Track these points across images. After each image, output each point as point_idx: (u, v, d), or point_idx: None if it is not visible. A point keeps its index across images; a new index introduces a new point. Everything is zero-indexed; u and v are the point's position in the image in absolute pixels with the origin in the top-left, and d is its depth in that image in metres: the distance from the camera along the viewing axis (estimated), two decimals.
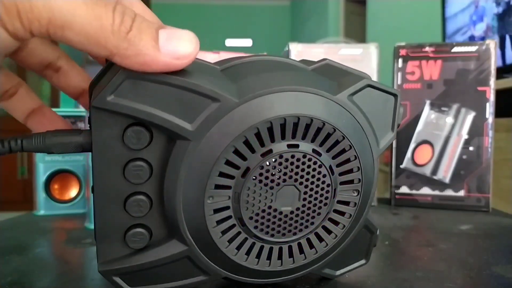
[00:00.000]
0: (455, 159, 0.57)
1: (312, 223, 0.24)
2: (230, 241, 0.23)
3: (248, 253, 0.24)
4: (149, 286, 0.24)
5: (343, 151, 0.23)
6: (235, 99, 0.21)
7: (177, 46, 0.19)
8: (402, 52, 0.59)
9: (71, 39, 0.17)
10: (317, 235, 0.25)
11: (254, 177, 0.22)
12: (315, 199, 0.23)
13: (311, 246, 0.25)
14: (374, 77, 0.58)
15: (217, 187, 0.22)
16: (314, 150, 0.23)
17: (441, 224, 0.48)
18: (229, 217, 0.22)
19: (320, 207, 0.24)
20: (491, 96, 0.56)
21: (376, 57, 0.58)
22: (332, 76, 0.25)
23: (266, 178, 0.22)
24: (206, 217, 0.22)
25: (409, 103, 0.59)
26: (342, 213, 0.25)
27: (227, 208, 0.22)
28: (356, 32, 3.37)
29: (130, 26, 0.18)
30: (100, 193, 0.22)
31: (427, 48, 0.58)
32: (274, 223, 0.23)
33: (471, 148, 0.57)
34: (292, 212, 0.23)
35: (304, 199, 0.23)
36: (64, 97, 0.54)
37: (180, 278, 0.24)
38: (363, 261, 0.29)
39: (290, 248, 0.24)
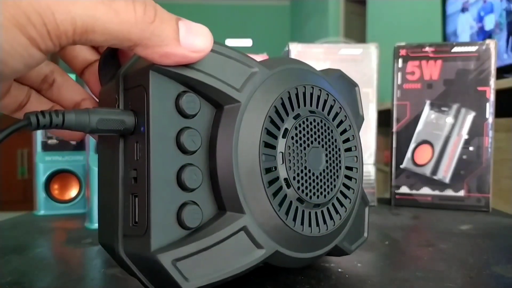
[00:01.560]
0: (455, 159, 0.57)
1: (335, 186, 0.27)
2: (281, 204, 0.24)
3: (294, 218, 0.25)
4: (205, 275, 0.22)
5: (342, 121, 0.28)
6: (267, 69, 0.25)
7: (195, 40, 0.20)
8: (402, 52, 0.59)
9: (96, 40, 0.18)
10: (338, 200, 0.27)
11: (292, 137, 0.24)
12: (333, 161, 0.27)
13: (336, 211, 0.27)
14: (374, 77, 0.58)
15: (267, 145, 0.23)
16: (325, 117, 0.27)
17: (441, 224, 0.48)
18: (278, 178, 0.24)
19: (337, 170, 0.27)
20: (491, 96, 0.56)
21: (376, 57, 0.58)
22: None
23: (300, 138, 0.25)
24: (263, 177, 0.23)
25: (409, 103, 0.59)
26: (350, 178, 0.28)
27: (276, 168, 0.24)
28: (356, 32, 3.37)
29: (154, 16, 0.19)
30: (156, 167, 0.21)
31: (427, 48, 0.58)
32: (310, 184, 0.25)
33: (471, 148, 0.57)
34: (321, 173, 0.26)
35: (327, 161, 0.26)
36: None
37: (237, 258, 0.23)
38: (365, 235, 0.32)
39: (322, 213, 0.26)
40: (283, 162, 0.24)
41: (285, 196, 0.24)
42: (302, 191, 0.25)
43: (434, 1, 1.88)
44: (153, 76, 0.21)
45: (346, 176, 0.28)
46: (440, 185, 0.58)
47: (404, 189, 0.59)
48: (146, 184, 0.21)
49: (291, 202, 0.24)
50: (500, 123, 1.08)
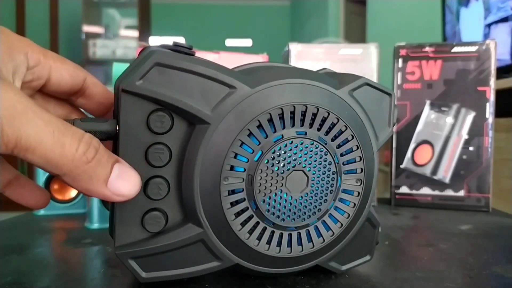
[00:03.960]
0: (455, 159, 0.57)
1: (320, 210, 0.26)
2: (243, 224, 0.24)
3: (259, 237, 0.25)
4: (163, 271, 0.24)
5: (346, 140, 0.26)
6: (250, 87, 0.23)
7: (122, 186, 0.21)
8: (402, 52, 0.59)
9: (32, 160, 0.19)
10: (323, 223, 0.26)
11: (266, 161, 0.24)
12: (322, 185, 0.25)
13: (319, 234, 0.26)
14: (374, 77, 0.58)
15: (232, 168, 0.23)
16: (320, 138, 0.25)
17: (441, 224, 0.48)
18: (243, 200, 0.24)
19: (326, 194, 0.26)
20: (491, 96, 0.56)
21: (376, 57, 0.58)
22: (334, 76, 0.28)
23: (278, 162, 0.24)
24: (222, 198, 0.23)
25: (409, 103, 0.59)
26: (346, 202, 0.27)
27: (241, 190, 0.24)
28: (356, 32, 3.37)
29: (92, 158, 0.20)
30: None
31: (427, 48, 0.58)
32: (284, 207, 0.25)
33: (471, 148, 0.57)
34: (301, 197, 0.25)
35: (312, 185, 0.25)
36: None
37: (194, 264, 0.25)
38: (367, 257, 0.30)
39: (299, 234, 0.26)
40: (251, 185, 0.24)
41: (251, 216, 0.24)
42: (273, 213, 0.24)
43: (434, 1, 1.87)
44: (124, 96, 0.22)
45: (341, 200, 0.26)
46: (440, 185, 0.58)
47: (404, 189, 0.59)
48: None
49: (257, 222, 0.24)
50: (500, 123, 1.08)
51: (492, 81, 0.56)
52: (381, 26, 2.76)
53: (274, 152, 0.24)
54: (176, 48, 0.23)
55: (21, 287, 0.27)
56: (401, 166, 0.59)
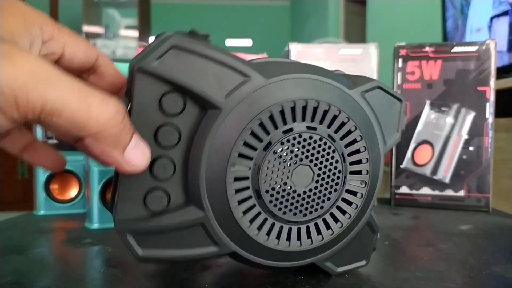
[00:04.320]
0: (455, 159, 0.57)
1: (322, 207, 0.26)
2: (245, 212, 0.24)
3: (260, 227, 0.25)
4: (159, 251, 0.24)
5: (354, 141, 0.26)
6: (264, 78, 0.24)
7: (136, 157, 0.22)
8: (402, 52, 0.59)
9: (58, 124, 0.19)
10: (324, 221, 0.26)
11: (274, 151, 0.24)
12: (327, 183, 0.25)
13: (319, 231, 0.26)
14: (374, 77, 0.58)
15: (240, 155, 0.23)
16: (329, 136, 0.25)
17: (441, 224, 0.48)
18: (247, 188, 0.24)
19: (330, 192, 0.26)
20: (491, 96, 0.56)
21: (376, 57, 0.58)
22: (347, 77, 0.28)
23: (286, 154, 0.24)
24: (227, 184, 0.23)
25: (409, 103, 0.59)
26: (349, 203, 0.27)
27: (247, 178, 0.24)
28: (356, 32, 3.36)
29: (120, 122, 0.20)
30: None
31: (427, 48, 0.58)
32: (287, 200, 0.25)
33: (471, 148, 0.57)
34: (304, 192, 0.25)
35: (317, 181, 0.25)
36: None
37: (191, 247, 0.25)
38: (363, 262, 0.30)
39: (299, 230, 0.26)
40: (257, 174, 0.24)
41: (253, 206, 0.24)
42: (275, 205, 0.25)
43: (434, 1, 1.87)
44: (139, 76, 0.22)
45: (344, 200, 0.26)
46: (440, 185, 0.58)
47: (404, 189, 0.59)
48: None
49: (259, 213, 0.25)
50: (500, 123, 1.08)
51: (492, 81, 0.56)
52: (381, 26, 2.76)
53: (282, 144, 0.24)
54: (192, 35, 0.24)
55: (21, 287, 0.27)
56: (401, 166, 0.59)
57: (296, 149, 0.24)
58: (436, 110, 0.58)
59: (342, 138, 0.25)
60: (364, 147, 0.26)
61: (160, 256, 0.24)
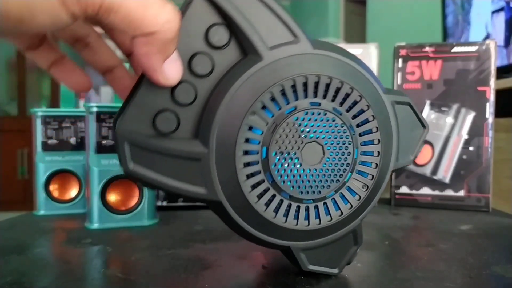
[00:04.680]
0: (455, 159, 0.57)
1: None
2: (246, 165, 0.24)
3: (254, 186, 0.25)
4: (149, 171, 0.24)
5: (371, 141, 0.26)
6: (311, 46, 0.25)
7: (171, 71, 0.22)
8: (402, 52, 0.59)
9: (114, 22, 0.19)
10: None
11: (296, 118, 0.24)
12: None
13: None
14: None
15: (264, 107, 0.24)
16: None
17: (441, 224, 0.48)
18: (258, 142, 0.24)
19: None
20: (491, 96, 0.56)
21: (376, 57, 0.58)
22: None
23: (305, 125, 0.25)
24: (240, 130, 0.23)
25: None
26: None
27: (261, 132, 0.24)
28: (356, 32, 3.36)
29: (175, 29, 0.20)
30: None
31: (427, 48, 0.58)
32: (290, 171, 0.25)
33: (471, 148, 0.57)
34: (309, 170, 0.25)
35: (328, 158, 0.25)
36: (64, 97, 0.54)
37: (180, 180, 0.24)
38: (335, 270, 0.29)
39: (281, 201, 0.25)
40: (271, 133, 0.24)
41: (256, 162, 0.24)
42: (277, 171, 0.24)
43: (434, 1, 1.87)
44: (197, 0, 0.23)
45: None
46: (440, 185, 0.58)
47: (404, 189, 0.59)
48: (142, 77, 0.23)
49: (259, 171, 0.24)
50: (500, 123, 1.08)
51: (492, 81, 0.56)
52: (381, 26, 2.76)
53: (306, 113, 0.25)
54: None
55: (21, 287, 0.27)
56: None
57: (316, 124, 0.25)
58: (436, 110, 0.58)
59: (360, 130, 0.26)
60: (378, 151, 0.27)
61: (147, 177, 0.24)
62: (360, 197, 0.27)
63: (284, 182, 0.25)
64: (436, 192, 0.58)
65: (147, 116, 0.23)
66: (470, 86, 0.57)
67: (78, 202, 0.53)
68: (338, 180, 0.26)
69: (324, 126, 0.25)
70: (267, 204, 0.25)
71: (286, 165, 0.25)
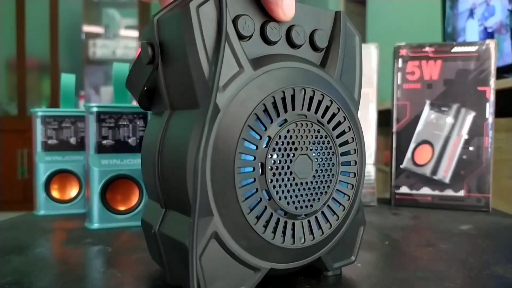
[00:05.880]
0: (455, 159, 0.57)
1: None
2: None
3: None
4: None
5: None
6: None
7: (289, 8, 0.24)
8: (402, 52, 0.59)
9: None
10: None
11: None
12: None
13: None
14: (374, 77, 0.58)
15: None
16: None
17: (441, 224, 0.48)
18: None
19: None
20: (491, 96, 0.56)
21: (376, 57, 0.58)
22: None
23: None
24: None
25: (409, 103, 0.59)
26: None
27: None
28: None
29: None
30: None
31: (427, 48, 0.58)
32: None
33: (471, 148, 0.57)
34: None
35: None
36: (64, 98, 0.54)
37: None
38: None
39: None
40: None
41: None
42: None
43: (434, 1, 1.87)
44: None
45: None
46: (440, 185, 0.58)
47: (404, 189, 0.59)
48: None
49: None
50: (500, 123, 1.08)
51: (492, 81, 0.56)
52: (381, 26, 2.76)
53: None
54: None
55: (21, 287, 0.27)
56: (401, 166, 0.59)
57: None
58: (436, 110, 0.58)
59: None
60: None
61: None
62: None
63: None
64: (436, 192, 0.58)
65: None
66: (470, 86, 0.57)
67: (78, 202, 0.53)
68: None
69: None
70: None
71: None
